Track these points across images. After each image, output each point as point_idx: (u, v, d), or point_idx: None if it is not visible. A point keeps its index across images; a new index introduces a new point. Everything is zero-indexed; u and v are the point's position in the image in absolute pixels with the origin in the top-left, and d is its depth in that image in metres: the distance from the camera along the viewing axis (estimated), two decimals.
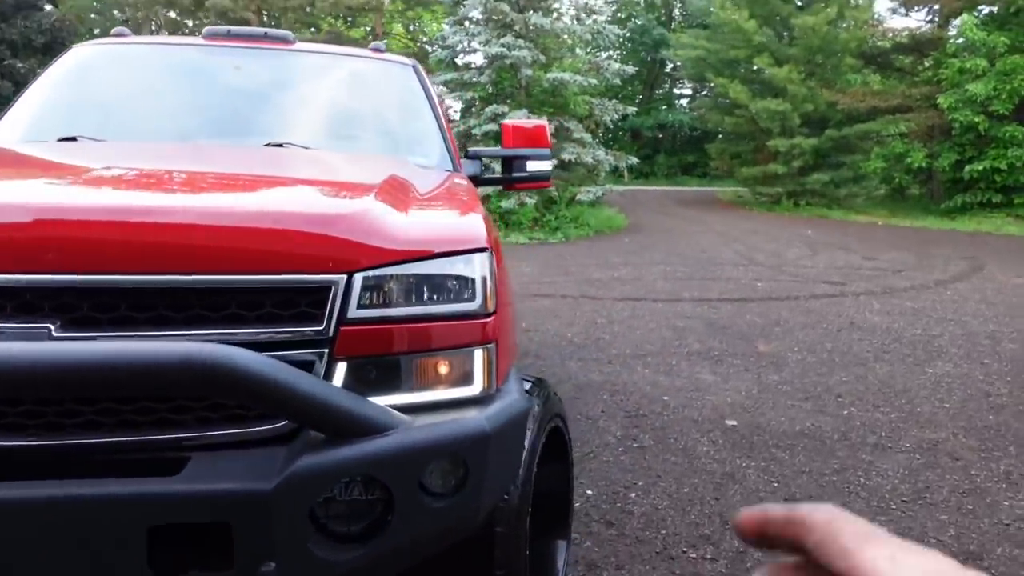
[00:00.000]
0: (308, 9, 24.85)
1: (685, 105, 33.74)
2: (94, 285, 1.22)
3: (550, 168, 2.84)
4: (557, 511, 2.23)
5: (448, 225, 1.59)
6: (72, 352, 1.05)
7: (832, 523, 0.35)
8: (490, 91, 14.70)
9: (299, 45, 2.88)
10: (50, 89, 2.59)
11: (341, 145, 2.52)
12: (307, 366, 1.30)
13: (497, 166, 2.92)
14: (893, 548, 0.33)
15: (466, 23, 14.86)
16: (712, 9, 20.57)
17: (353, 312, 1.34)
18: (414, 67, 2.93)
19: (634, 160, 16.18)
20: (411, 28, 31.26)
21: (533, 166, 2.80)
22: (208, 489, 1.15)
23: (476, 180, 2.79)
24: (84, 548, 1.14)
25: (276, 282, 1.30)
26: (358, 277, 1.34)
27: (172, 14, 26.66)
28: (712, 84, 20.95)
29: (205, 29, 2.84)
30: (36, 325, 1.18)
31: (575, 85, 13.81)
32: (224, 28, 2.84)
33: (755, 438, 3.72)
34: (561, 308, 7.10)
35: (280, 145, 2.32)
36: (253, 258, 1.29)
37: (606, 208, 16.50)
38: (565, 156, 13.76)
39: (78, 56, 2.72)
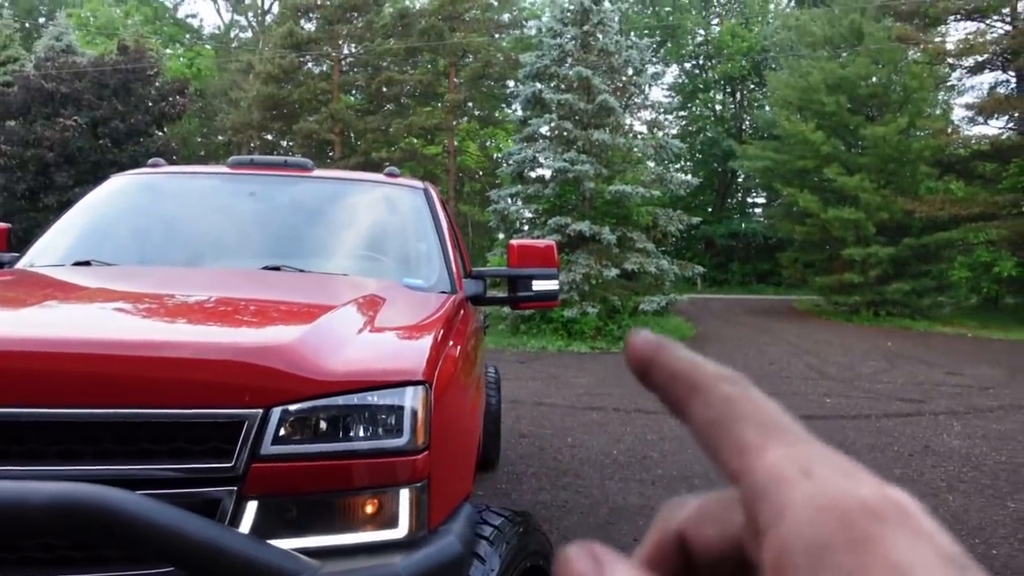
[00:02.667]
0: (390, 130, 26.47)
1: (759, 214, 33.57)
2: (2, 418, 1.22)
3: (556, 287, 2.81)
4: None
5: (386, 355, 1.54)
6: None
7: (733, 402, 0.25)
8: (555, 203, 15.04)
9: (316, 172, 3.02)
10: (84, 215, 2.78)
11: (340, 266, 2.56)
12: (214, 505, 1.26)
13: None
14: (806, 453, 0.23)
15: (535, 139, 15.42)
16: (778, 121, 20.69)
17: (267, 448, 1.29)
18: (424, 190, 3.01)
19: (701, 269, 16.00)
20: (487, 144, 32.73)
21: (539, 285, 2.78)
22: None
23: (478, 300, 2.78)
24: None
25: (187, 416, 1.28)
26: (275, 411, 1.31)
27: (268, 136, 29.02)
28: (784, 192, 20.76)
29: (230, 159, 3.03)
30: None
31: (637, 197, 13.96)
32: (248, 157, 3.02)
33: None
34: (611, 422, 6.86)
35: (277, 268, 2.38)
36: (165, 390, 1.28)
37: (674, 317, 16.22)
38: (628, 266, 13.75)
39: (113, 184, 2.93)
